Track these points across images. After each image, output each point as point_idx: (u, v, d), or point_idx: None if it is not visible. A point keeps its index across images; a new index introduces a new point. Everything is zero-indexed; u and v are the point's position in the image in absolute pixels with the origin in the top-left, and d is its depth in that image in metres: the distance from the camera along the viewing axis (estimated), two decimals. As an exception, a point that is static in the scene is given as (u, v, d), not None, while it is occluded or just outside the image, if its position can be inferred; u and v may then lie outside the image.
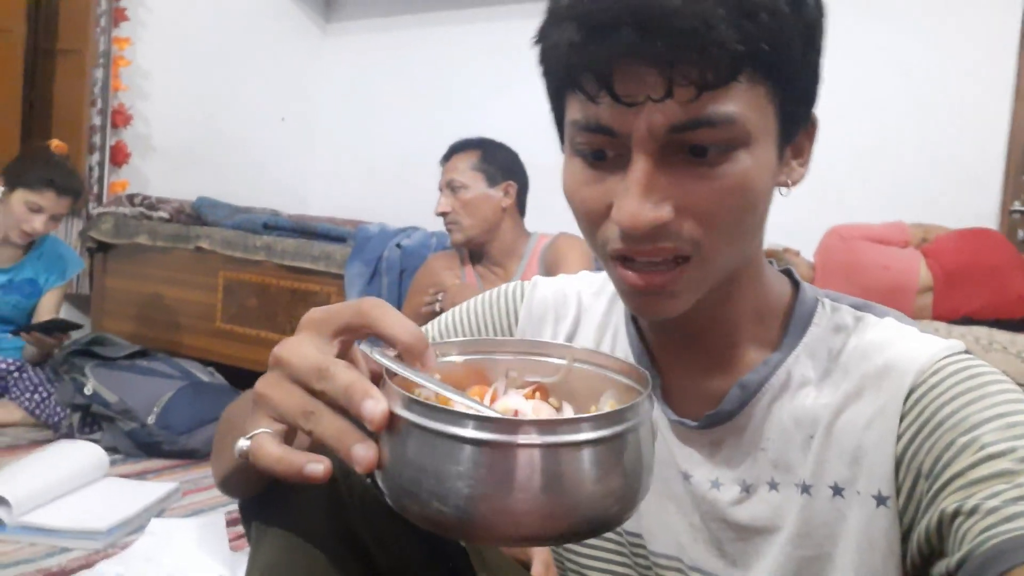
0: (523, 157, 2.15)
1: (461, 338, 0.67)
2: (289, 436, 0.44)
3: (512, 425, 0.37)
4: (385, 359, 0.42)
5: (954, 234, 2.37)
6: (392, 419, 0.39)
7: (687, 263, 0.50)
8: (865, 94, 2.77)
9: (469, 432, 0.37)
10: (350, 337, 0.43)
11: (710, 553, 0.59)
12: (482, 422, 0.37)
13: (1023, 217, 2.69)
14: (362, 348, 0.43)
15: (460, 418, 0.37)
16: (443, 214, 2.05)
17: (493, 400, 0.48)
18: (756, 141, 0.49)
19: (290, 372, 0.42)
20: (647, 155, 0.48)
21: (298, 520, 0.57)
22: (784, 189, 0.56)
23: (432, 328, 0.75)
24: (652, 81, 0.46)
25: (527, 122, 2.18)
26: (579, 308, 0.69)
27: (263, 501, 0.58)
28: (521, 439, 0.36)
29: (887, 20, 2.81)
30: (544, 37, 0.51)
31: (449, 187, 2.05)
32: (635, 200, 0.47)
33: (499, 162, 2.10)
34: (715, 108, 0.46)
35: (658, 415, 0.61)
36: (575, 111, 0.51)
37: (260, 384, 0.44)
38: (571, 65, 0.48)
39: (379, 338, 0.42)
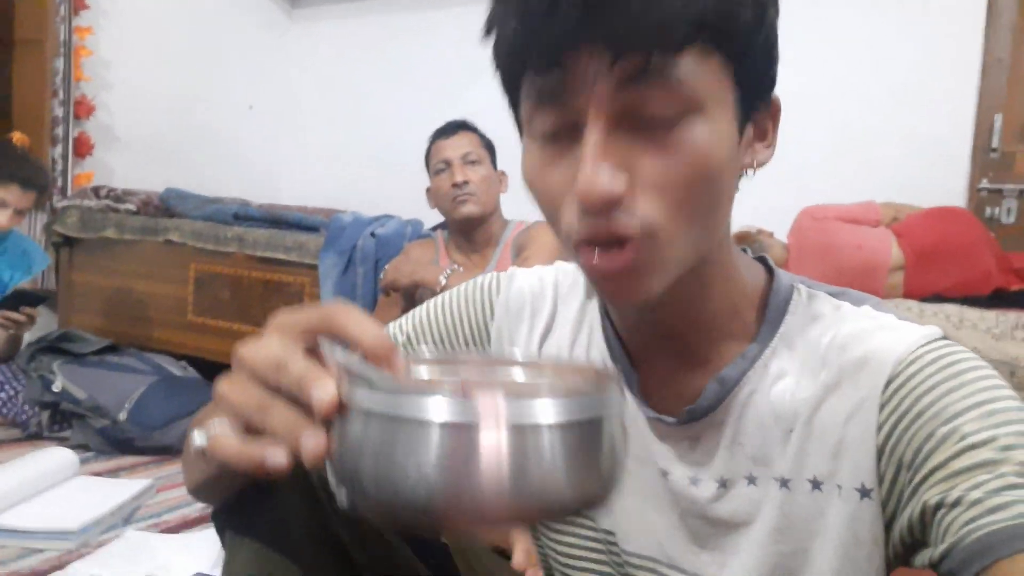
0: (496, 143, 2.13)
1: (432, 352, 0.65)
2: (252, 435, 0.42)
3: (470, 405, 0.35)
4: (341, 354, 0.40)
5: (924, 213, 2.41)
6: (344, 408, 0.38)
7: (647, 242, 0.49)
8: (833, 75, 2.79)
9: (417, 413, 0.35)
10: (315, 340, 0.42)
11: (689, 551, 0.59)
12: (430, 399, 0.35)
13: (990, 195, 2.73)
14: (322, 346, 0.41)
15: (408, 396, 0.35)
16: (464, 183, 2.00)
17: None
18: (711, 109, 0.48)
19: (250, 369, 0.41)
20: (599, 123, 0.47)
21: (274, 528, 0.55)
22: (750, 171, 0.54)
23: (406, 322, 0.73)
24: (599, 56, 0.45)
25: (500, 108, 2.17)
26: (555, 303, 0.68)
27: (236, 508, 0.56)
28: (481, 418, 0.34)
29: (854, 2, 2.82)
30: (492, 24, 0.50)
31: (465, 160, 2.02)
32: (589, 168, 0.46)
33: (492, 149, 2.11)
34: (664, 70, 0.45)
35: (635, 412, 0.60)
36: (529, 92, 0.50)
37: (220, 383, 0.42)
38: (519, 48, 0.48)
39: (344, 340, 0.40)
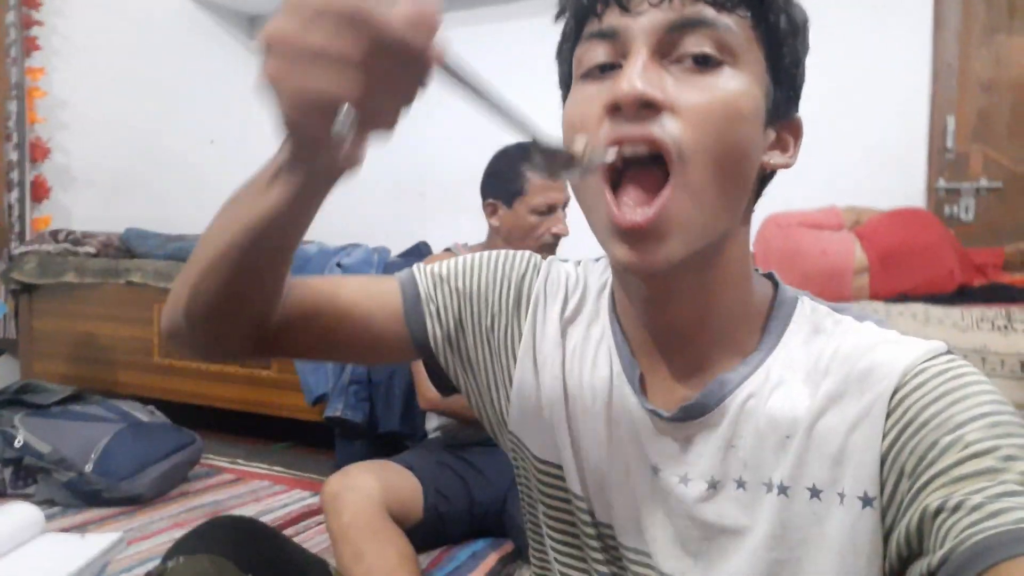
0: (466, 168, 2.13)
1: None
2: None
3: None
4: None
5: (885, 215, 2.44)
6: None
7: (670, 183, 0.50)
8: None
9: None
10: None
11: (673, 554, 0.59)
12: None
13: (948, 194, 2.78)
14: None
15: None
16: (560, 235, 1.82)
17: None
18: (746, 70, 0.52)
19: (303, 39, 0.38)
20: (644, 51, 0.51)
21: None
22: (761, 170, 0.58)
23: (440, 267, 0.72)
24: None
25: (459, 139, 2.16)
26: (583, 294, 0.69)
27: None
28: None
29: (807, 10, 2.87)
30: None
31: (564, 209, 1.82)
32: (629, 74, 0.50)
33: None
34: (709, 12, 0.51)
35: (634, 405, 0.61)
36: (585, 31, 0.55)
37: (265, 72, 0.39)
38: None
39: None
